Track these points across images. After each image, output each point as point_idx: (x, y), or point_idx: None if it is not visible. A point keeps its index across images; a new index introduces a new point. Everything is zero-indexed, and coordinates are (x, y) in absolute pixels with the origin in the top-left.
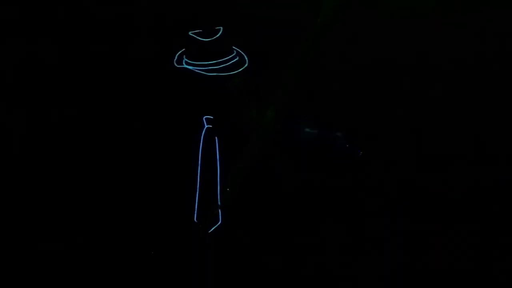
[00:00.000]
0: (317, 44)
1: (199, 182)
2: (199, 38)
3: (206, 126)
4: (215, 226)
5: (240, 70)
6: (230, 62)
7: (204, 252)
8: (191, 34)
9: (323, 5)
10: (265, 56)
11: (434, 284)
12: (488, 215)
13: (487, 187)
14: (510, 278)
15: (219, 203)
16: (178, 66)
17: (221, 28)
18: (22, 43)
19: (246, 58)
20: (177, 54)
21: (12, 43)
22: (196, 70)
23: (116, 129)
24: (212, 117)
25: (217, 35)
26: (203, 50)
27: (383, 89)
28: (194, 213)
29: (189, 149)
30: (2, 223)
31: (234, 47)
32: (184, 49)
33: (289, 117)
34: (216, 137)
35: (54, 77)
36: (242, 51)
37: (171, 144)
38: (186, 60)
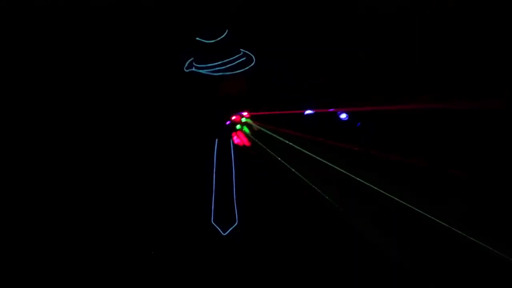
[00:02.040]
0: None
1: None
2: (205, 41)
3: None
4: (232, 227)
5: (246, 68)
6: (236, 62)
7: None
8: (197, 39)
9: None
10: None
11: None
12: None
13: None
14: None
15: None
16: (186, 70)
17: (226, 29)
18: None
19: (254, 58)
20: (187, 62)
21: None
22: (204, 73)
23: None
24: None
25: (222, 36)
26: (210, 52)
27: None
28: (212, 212)
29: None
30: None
31: (241, 49)
32: (193, 56)
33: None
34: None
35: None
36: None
37: (179, 144)
38: (195, 64)
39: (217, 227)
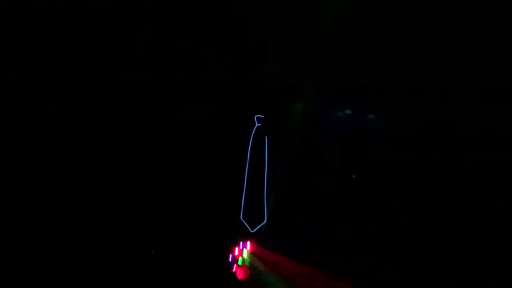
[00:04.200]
0: None
1: (247, 178)
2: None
3: (257, 124)
4: (261, 225)
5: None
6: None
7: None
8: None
9: None
10: None
11: None
12: None
13: None
14: None
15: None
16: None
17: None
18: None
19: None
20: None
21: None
22: None
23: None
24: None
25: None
26: None
27: None
28: (240, 211)
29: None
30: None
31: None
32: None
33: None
34: (266, 136)
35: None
36: None
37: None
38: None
39: (245, 224)
